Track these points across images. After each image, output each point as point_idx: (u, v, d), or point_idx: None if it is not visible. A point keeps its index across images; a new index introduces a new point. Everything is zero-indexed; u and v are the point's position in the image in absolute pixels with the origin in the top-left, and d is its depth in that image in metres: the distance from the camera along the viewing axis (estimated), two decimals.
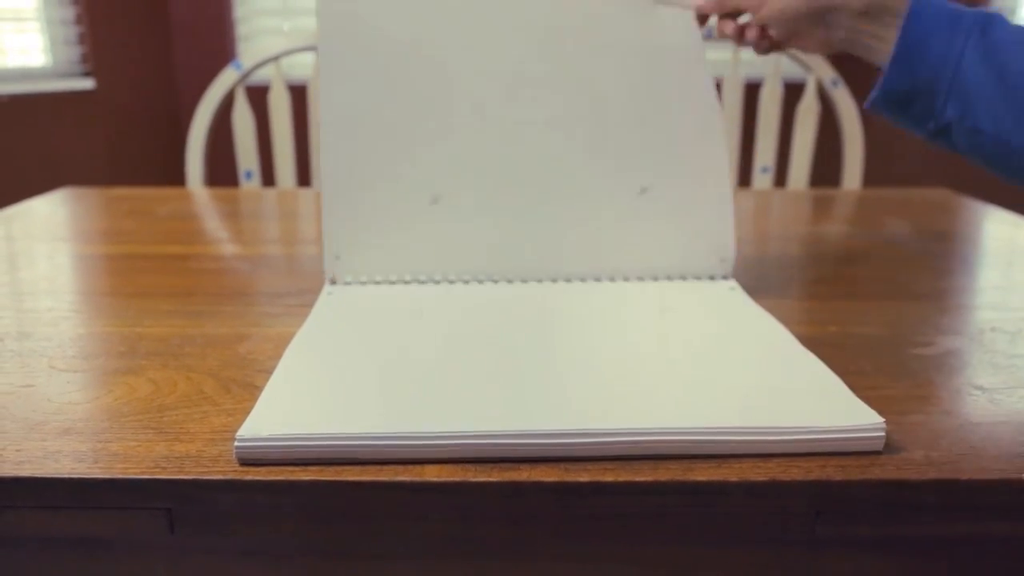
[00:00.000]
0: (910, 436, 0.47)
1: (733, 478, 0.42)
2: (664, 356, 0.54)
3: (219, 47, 2.34)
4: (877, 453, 0.45)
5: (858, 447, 0.45)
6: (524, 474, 0.43)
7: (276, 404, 0.47)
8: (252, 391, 0.52)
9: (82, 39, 2.15)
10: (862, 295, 0.72)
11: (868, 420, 0.45)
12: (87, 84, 2.12)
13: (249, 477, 0.43)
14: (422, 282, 0.70)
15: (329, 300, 0.66)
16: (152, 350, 0.59)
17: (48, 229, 0.98)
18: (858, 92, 2.29)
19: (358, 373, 0.51)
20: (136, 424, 0.48)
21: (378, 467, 0.43)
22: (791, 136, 1.41)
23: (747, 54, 0.90)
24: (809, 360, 0.53)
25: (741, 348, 0.55)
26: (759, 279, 0.77)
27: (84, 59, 2.15)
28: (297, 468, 0.43)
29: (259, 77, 2.34)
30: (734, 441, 0.44)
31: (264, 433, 0.44)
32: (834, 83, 1.35)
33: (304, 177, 2.28)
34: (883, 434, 0.45)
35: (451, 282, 0.70)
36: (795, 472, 0.43)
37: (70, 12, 2.14)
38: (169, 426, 0.48)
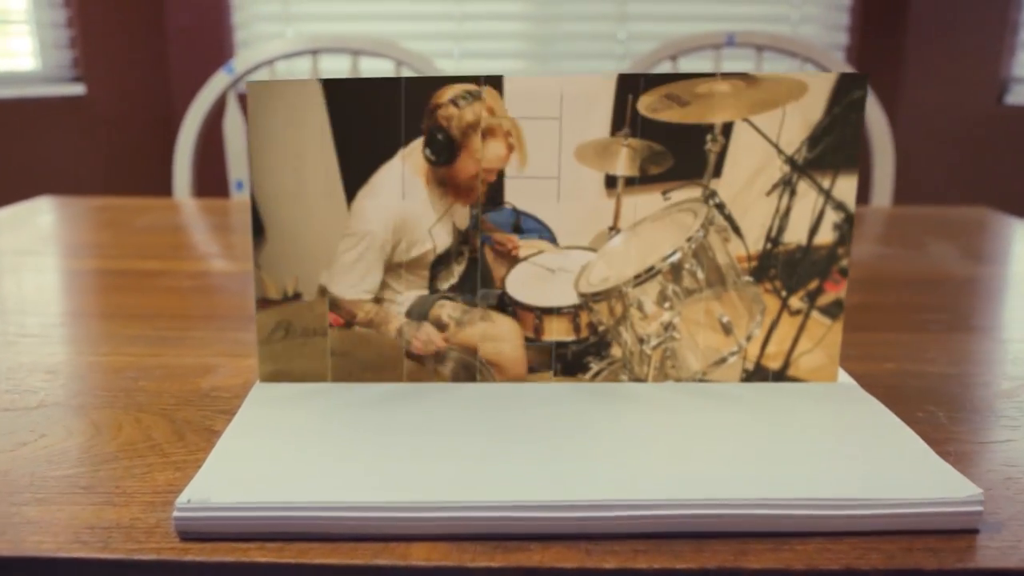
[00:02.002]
0: (1007, 508, 0.38)
1: (798, 565, 0.34)
2: (707, 413, 0.45)
3: (216, 53, 2.27)
4: (973, 532, 0.36)
5: (950, 524, 0.36)
6: (536, 557, 0.34)
7: (229, 463, 0.39)
8: (209, 438, 0.44)
9: (73, 43, 2.08)
10: (915, 326, 0.64)
11: (962, 491, 0.36)
12: (77, 89, 2.05)
13: (190, 557, 0.34)
14: None
15: None
16: (101, 384, 0.51)
17: (17, 240, 0.90)
18: (888, 104, 2.22)
19: (332, 428, 0.43)
20: (63, 481, 0.39)
21: (352, 545, 0.35)
22: None
23: (769, 63, 0.82)
24: (878, 411, 0.45)
25: (799, 400, 0.46)
26: None
27: (75, 64, 2.08)
28: (251, 545, 0.35)
29: None
30: (797, 516, 0.35)
31: (211, 500, 0.35)
32: None
33: None
34: (981, 508, 0.36)
35: None
36: (875, 558, 0.34)
37: (61, 15, 2.07)
38: (102, 483, 0.39)
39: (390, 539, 0.35)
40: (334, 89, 0.44)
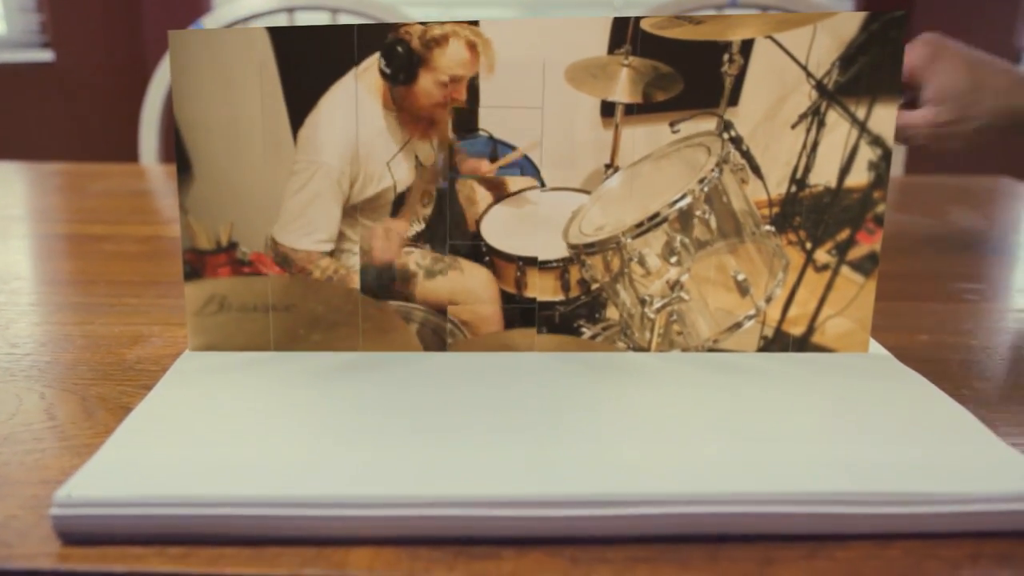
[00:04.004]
0: None
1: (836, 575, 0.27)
2: (720, 389, 0.38)
3: (192, 16, 2.17)
4: None
5: (1021, 524, 0.29)
6: (507, 566, 0.27)
7: (131, 448, 0.31)
8: (123, 417, 0.36)
9: (40, 6, 1.98)
10: (947, 295, 0.57)
11: None
12: (46, 56, 1.95)
13: (70, 566, 0.27)
14: None
15: None
16: (8, 354, 0.44)
17: None
18: None
19: (264, 406, 0.35)
20: None
21: (276, 550, 0.27)
22: None
23: None
24: (922, 387, 0.38)
25: (827, 373, 0.39)
26: None
27: (43, 28, 1.98)
28: (149, 550, 0.27)
29: None
30: (835, 516, 0.28)
31: (99, 494, 0.28)
32: None
33: None
34: None
35: None
36: (933, 567, 0.27)
37: None
38: None
39: (323, 542, 0.28)
40: (280, 38, 0.37)
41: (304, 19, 1.32)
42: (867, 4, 2.16)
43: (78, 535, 0.28)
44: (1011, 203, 0.91)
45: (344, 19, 1.27)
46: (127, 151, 2.13)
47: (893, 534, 0.29)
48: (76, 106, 2.05)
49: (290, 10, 1.25)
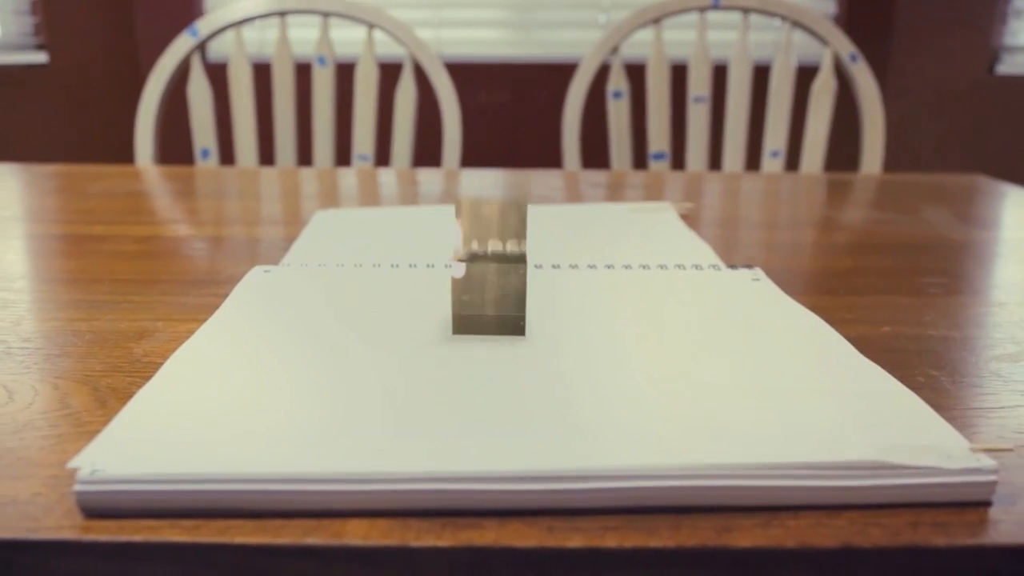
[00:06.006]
0: (1020, 478, 0.34)
1: (789, 543, 0.30)
2: (681, 367, 0.41)
3: (186, 18, 2.19)
4: (985, 505, 0.32)
5: (961, 496, 0.32)
6: (489, 535, 0.30)
7: (140, 425, 0.34)
8: None
9: (34, 9, 2.00)
10: (912, 289, 0.60)
11: (973, 459, 0.32)
12: (40, 58, 1.97)
13: (91, 537, 0.29)
14: (393, 266, 0.57)
15: (252, 287, 0.53)
16: (21, 348, 0.46)
17: None
18: (878, 72, 2.16)
19: (266, 386, 0.38)
20: None
21: (280, 522, 0.30)
22: (804, 117, 1.29)
23: (756, 29, 0.78)
24: (876, 374, 0.40)
25: (781, 356, 0.42)
26: (783, 269, 0.64)
27: (37, 31, 2.00)
28: (165, 522, 0.30)
29: (220, 54, 2.18)
30: (788, 488, 0.31)
31: (119, 472, 0.30)
32: (853, 58, 1.23)
33: (267, 156, 2.13)
34: (995, 478, 0.32)
35: (413, 267, 0.57)
36: (876, 534, 0.30)
37: None
38: (4, 455, 0.35)
39: (321, 515, 0.30)
40: None
41: (295, 22, 1.35)
42: (849, 5, 2.20)
43: (99, 509, 0.30)
44: (985, 200, 0.94)
45: (334, 23, 1.29)
46: (123, 153, 2.15)
47: (842, 505, 0.32)
48: (71, 108, 2.07)
49: (282, 13, 1.27)
